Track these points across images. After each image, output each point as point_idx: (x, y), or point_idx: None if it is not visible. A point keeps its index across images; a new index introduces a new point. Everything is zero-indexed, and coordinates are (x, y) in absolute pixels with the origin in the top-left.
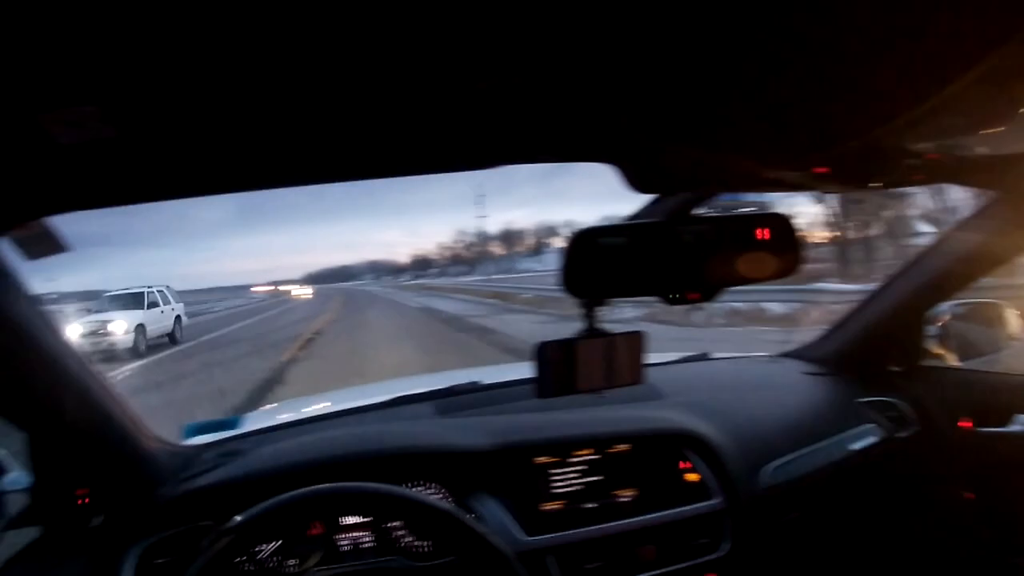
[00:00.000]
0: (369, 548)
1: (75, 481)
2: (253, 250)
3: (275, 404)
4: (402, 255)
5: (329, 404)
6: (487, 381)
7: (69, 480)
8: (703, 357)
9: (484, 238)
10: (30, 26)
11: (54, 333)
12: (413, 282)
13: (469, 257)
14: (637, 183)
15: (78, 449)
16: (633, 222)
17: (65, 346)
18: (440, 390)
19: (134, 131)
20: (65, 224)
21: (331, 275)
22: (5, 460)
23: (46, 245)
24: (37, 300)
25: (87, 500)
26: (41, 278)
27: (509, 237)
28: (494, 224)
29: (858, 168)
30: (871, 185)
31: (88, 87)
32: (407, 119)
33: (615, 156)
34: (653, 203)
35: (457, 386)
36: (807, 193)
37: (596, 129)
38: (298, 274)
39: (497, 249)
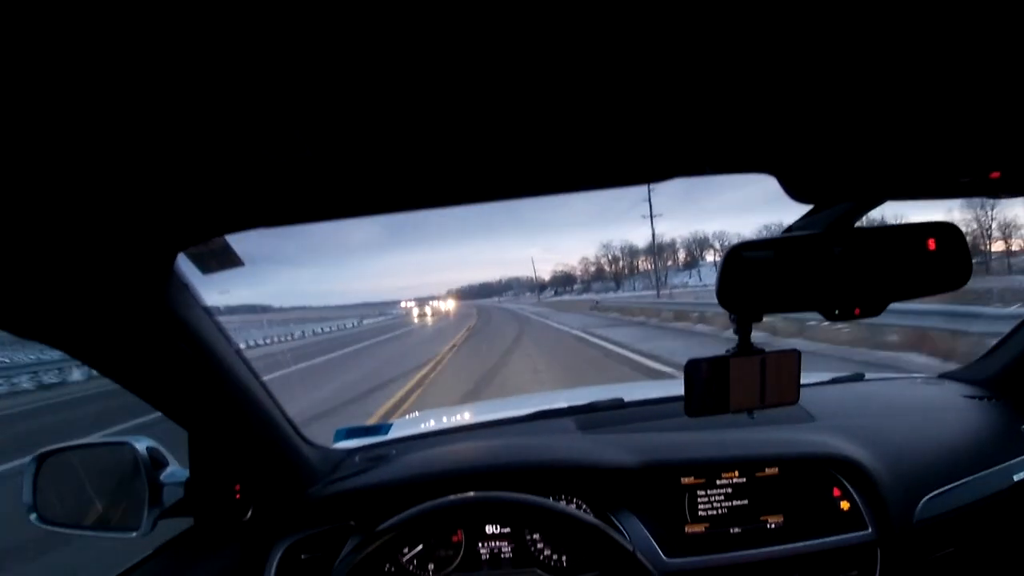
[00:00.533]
0: (507, 558)
1: (231, 477)
2: (400, 268)
3: (419, 413)
4: (544, 271)
5: (471, 415)
6: (629, 398)
7: (225, 476)
8: (857, 378)
9: (631, 252)
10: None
11: (224, 341)
12: (555, 298)
13: (615, 272)
14: (797, 192)
15: (235, 448)
16: (790, 235)
17: (233, 354)
18: (582, 406)
19: (324, 154)
20: (234, 242)
21: (474, 292)
22: (163, 455)
23: (222, 260)
24: (210, 310)
25: (239, 496)
26: (215, 290)
27: (659, 251)
28: (639, 237)
29: None
30: None
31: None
32: (577, 136)
33: (776, 165)
34: (813, 214)
35: (599, 402)
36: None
37: (757, 138)
38: (442, 291)
39: (643, 263)
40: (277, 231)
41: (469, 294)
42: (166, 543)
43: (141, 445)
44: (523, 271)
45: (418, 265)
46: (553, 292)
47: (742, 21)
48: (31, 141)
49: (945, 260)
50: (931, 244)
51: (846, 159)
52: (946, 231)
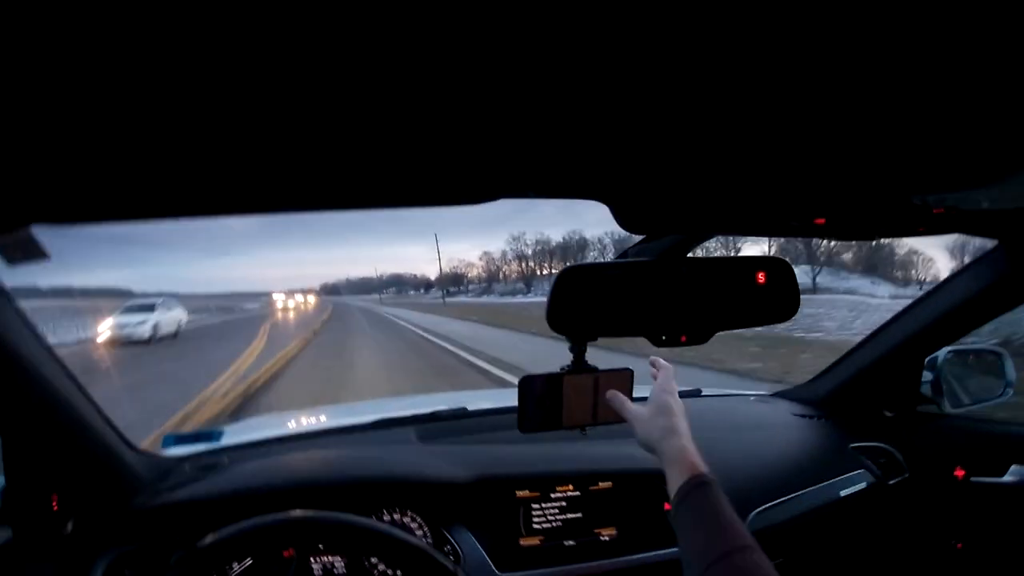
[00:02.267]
0: (341, 574)
1: (48, 486)
2: (277, 260)
3: (257, 417)
4: (431, 271)
5: (312, 421)
6: (472, 407)
7: (42, 484)
8: (695, 393)
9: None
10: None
11: (30, 335)
12: (449, 299)
13: (522, 272)
14: (629, 223)
15: (52, 453)
16: (622, 260)
17: (44, 351)
18: (424, 415)
19: (142, 143)
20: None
21: (352, 287)
22: None
23: (27, 251)
24: (12, 299)
25: (57, 506)
26: (22, 280)
27: (550, 254)
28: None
29: (857, 220)
30: (871, 236)
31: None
32: (405, 153)
33: (607, 195)
34: (645, 242)
35: (441, 412)
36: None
37: (589, 167)
38: (316, 284)
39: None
40: None
41: (345, 289)
42: None
43: None
44: (408, 269)
45: (297, 258)
46: (444, 293)
47: (571, 48)
48: None
49: (774, 293)
50: (761, 277)
51: (676, 194)
52: (776, 265)
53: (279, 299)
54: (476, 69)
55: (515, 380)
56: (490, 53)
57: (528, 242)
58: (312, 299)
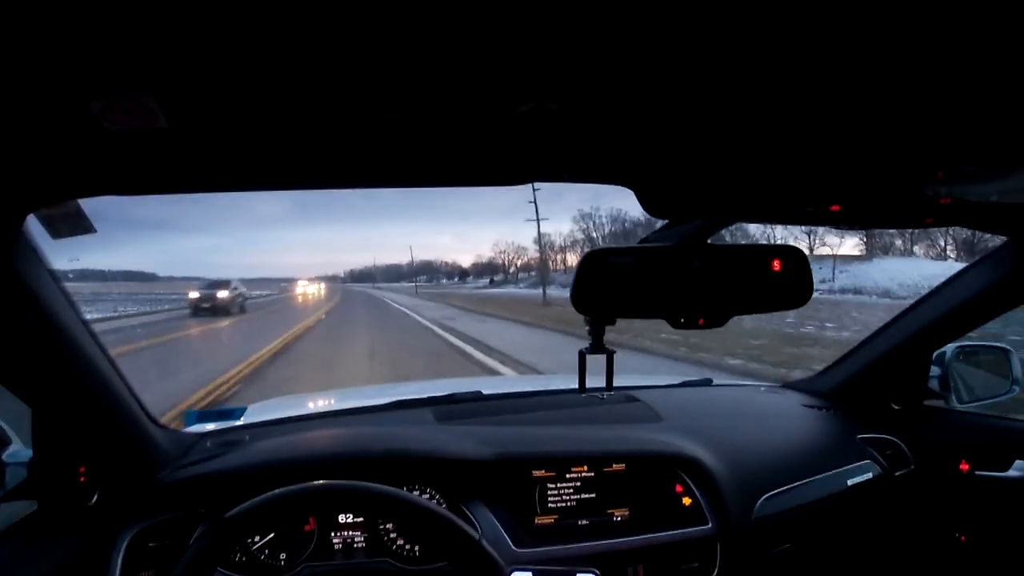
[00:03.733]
0: (360, 548)
1: (75, 458)
2: (306, 245)
3: (277, 399)
4: (462, 260)
5: (330, 402)
6: (487, 391)
7: (69, 457)
8: (705, 383)
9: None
10: (90, 15)
11: (71, 311)
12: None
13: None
14: (653, 207)
15: (80, 427)
16: (644, 245)
17: (80, 326)
18: (440, 397)
19: (186, 123)
20: (121, 206)
21: (382, 274)
22: (5, 433)
23: (72, 225)
24: (57, 276)
25: (84, 478)
26: (65, 256)
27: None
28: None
29: (870, 209)
30: (883, 225)
31: (145, 78)
32: (450, 135)
33: (633, 180)
34: (668, 227)
35: (458, 394)
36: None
37: (616, 153)
38: (342, 271)
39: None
40: (183, 198)
41: (373, 277)
42: (8, 528)
43: None
44: (437, 256)
45: (326, 244)
46: (489, 282)
47: (604, 40)
48: None
49: (788, 280)
50: (776, 265)
51: (700, 180)
52: (791, 254)
53: (301, 285)
54: (518, 62)
55: None
56: (530, 46)
57: (603, 218)
58: (322, 288)
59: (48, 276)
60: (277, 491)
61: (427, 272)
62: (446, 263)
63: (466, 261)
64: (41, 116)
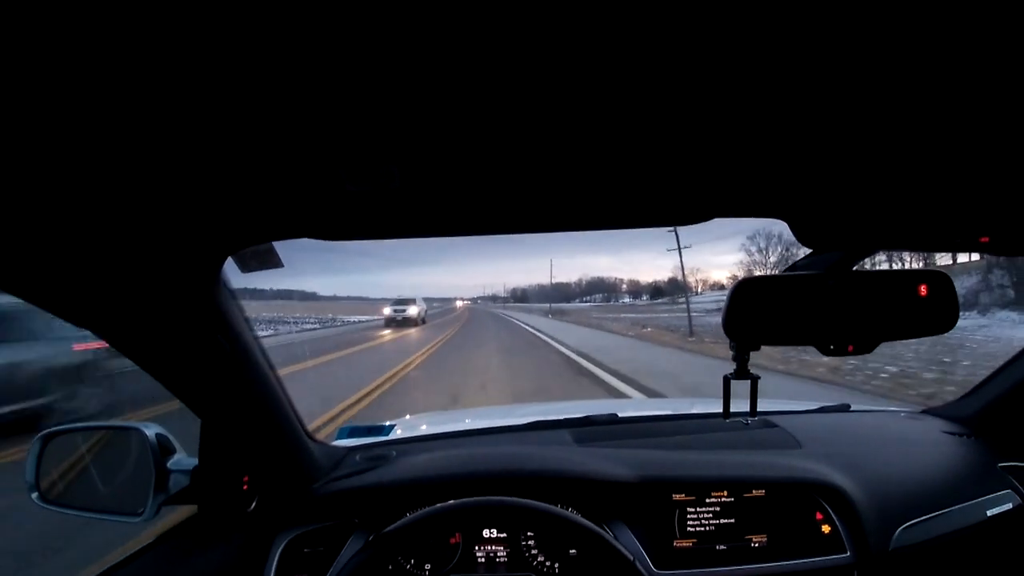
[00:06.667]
0: (502, 562)
1: (240, 468)
2: (466, 264)
3: (420, 415)
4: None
5: (470, 421)
6: (622, 415)
7: (234, 466)
8: (843, 408)
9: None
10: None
11: (250, 333)
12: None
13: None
14: (805, 237)
15: (248, 439)
16: (793, 273)
17: (256, 346)
18: (577, 419)
19: (411, 184)
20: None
21: (546, 295)
22: (171, 442)
23: (263, 260)
24: (239, 301)
25: (246, 487)
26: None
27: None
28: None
29: (1020, 239)
30: None
31: (391, 151)
32: (620, 182)
33: (788, 212)
34: (814, 255)
35: (594, 416)
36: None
37: (774, 189)
38: (502, 290)
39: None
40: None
41: (536, 296)
42: (170, 529)
43: (150, 431)
44: (604, 274)
45: (489, 267)
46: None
47: (762, 82)
48: (103, 153)
49: (935, 306)
50: (923, 290)
51: (850, 210)
52: (937, 279)
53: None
54: (694, 116)
55: None
56: (698, 102)
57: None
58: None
59: (236, 302)
60: (442, 505)
61: (601, 290)
62: (616, 279)
63: (644, 279)
64: (294, 177)
